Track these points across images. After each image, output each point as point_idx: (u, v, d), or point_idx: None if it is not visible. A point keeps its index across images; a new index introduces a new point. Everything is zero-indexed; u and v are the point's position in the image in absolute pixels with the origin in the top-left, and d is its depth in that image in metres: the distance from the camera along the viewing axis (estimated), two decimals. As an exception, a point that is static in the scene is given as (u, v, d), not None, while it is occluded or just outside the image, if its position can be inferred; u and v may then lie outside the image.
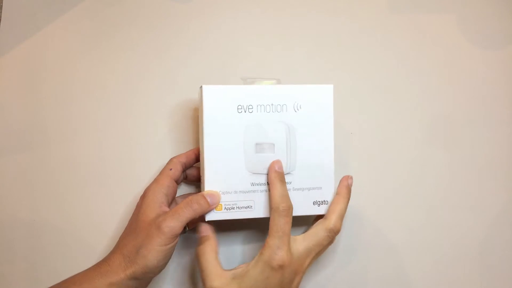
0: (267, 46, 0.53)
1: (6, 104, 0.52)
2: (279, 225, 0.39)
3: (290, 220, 0.40)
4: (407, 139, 0.51)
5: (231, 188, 0.42)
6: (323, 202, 0.43)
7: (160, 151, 0.50)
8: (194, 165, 0.47)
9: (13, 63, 0.52)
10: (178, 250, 0.49)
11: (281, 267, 0.38)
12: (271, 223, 0.40)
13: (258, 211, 0.42)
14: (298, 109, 0.43)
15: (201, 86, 0.42)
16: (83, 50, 0.53)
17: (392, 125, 0.52)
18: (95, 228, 0.49)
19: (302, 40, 0.53)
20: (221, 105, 0.41)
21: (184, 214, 0.40)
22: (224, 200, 0.42)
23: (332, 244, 0.47)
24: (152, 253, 0.39)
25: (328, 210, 0.42)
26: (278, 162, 0.42)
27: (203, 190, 0.42)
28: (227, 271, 0.40)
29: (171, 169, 0.44)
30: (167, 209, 0.42)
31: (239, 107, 0.42)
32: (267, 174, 0.42)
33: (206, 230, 0.42)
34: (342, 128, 0.51)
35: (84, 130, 0.51)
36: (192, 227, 0.46)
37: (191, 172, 0.48)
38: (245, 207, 0.42)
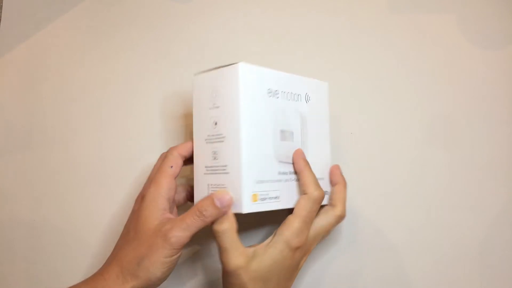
0: (267, 46, 0.53)
1: (6, 104, 0.52)
2: (310, 211, 0.39)
3: (318, 209, 0.40)
4: (407, 139, 0.51)
5: (264, 177, 0.39)
6: (326, 193, 0.43)
7: (161, 151, 0.50)
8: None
9: (13, 63, 0.52)
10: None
11: (298, 248, 0.39)
12: (301, 206, 0.39)
13: (285, 202, 0.40)
14: (308, 100, 0.43)
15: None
16: (83, 50, 0.53)
17: (392, 125, 0.52)
18: (95, 228, 0.49)
19: (302, 40, 0.53)
20: (255, 87, 0.39)
21: (193, 224, 0.36)
22: (259, 189, 0.38)
23: (332, 244, 0.47)
24: (156, 265, 0.36)
25: (334, 199, 0.43)
26: (300, 150, 0.42)
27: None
28: (247, 248, 0.38)
29: (171, 167, 0.40)
30: (170, 215, 0.39)
31: (269, 90, 0.40)
32: (293, 162, 0.41)
33: (226, 202, 0.38)
34: (342, 128, 0.51)
35: (84, 130, 0.51)
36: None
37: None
38: (275, 198, 0.40)
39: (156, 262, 0.36)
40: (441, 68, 0.53)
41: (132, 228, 0.39)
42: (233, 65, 0.39)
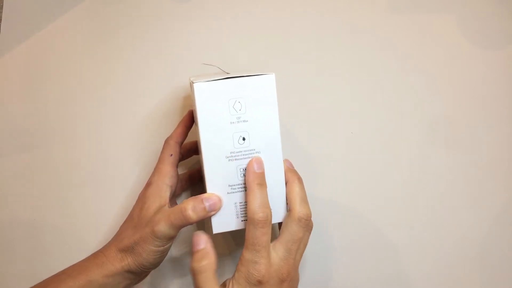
0: (266, 46, 0.53)
1: (6, 104, 0.52)
2: (256, 237, 0.35)
3: (268, 231, 0.36)
4: (407, 139, 0.51)
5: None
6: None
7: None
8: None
9: (13, 63, 0.52)
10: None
11: (260, 282, 0.35)
12: (247, 234, 0.36)
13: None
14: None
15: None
16: (83, 50, 0.53)
17: (392, 125, 0.52)
18: (95, 228, 0.49)
19: (302, 40, 0.53)
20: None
21: (177, 222, 0.37)
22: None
23: (332, 244, 0.47)
24: (148, 252, 0.38)
25: (288, 201, 0.38)
26: (258, 160, 0.38)
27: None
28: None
29: (171, 155, 0.42)
30: (167, 203, 0.40)
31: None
32: (245, 175, 0.38)
33: (203, 243, 0.37)
34: (342, 128, 0.51)
35: (84, 130, 0.51)
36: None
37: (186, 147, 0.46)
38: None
39: (147, 250, 0.38)
40: (441, 68, 0.53)
41: (135, 214, 0.41)
42: (268, 75, 0.37)
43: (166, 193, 0.40)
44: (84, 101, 0.52)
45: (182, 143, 0.43)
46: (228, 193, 0.38)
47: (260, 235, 0.35)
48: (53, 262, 0.49)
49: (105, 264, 0.39)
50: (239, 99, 0.37)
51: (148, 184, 0.41)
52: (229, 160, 0.37)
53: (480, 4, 0.54)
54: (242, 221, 0.39)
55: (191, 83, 0.38)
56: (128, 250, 0.39)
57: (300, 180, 0.39)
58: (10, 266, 0.49)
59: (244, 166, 0.38)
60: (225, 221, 0.38)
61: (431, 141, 0.51)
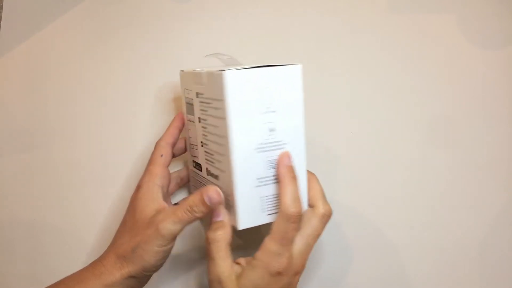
0: (266, 46, 0.53)
1: (6, 104, 0.52)
2: (286, 231, 0.35)
3: (298, 226, 0.36)
4: (407, 139, 0.51)
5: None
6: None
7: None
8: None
9: (13, 63, 0.52)
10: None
11: (280, 273, 0.35)
12: (277, 227, 0.35)
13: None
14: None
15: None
16: (83, 50, 0.53)
17: (392, 125, 0.52)
18: (95, 228, 0.49)
19: (302, 40, 0.53)
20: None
21: (184, 219, 0.37)
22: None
23: (332, 244, 0.47)
24: (150, 253, 0.37)
25: (310, 198, 0.39)
26: (288, 152, 0.37)
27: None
28: (235, 265, 0.37)
29: (162, 156, 0.42)
30: (165, 204, 0.40)
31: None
32: (277, 167, 0.37)
33: (222, 216, 0.37)
34: (342, 128, 0.51)
35: (84, 130, 0.51)
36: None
37: (177, 146, 0.45)
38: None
39: (150, 251, 0.37)
40: (441, 68, 0.53)
41: (129, 218, 0.40)
42: (295, 66, 0.37)
43: (158, 194, 0.40)
44: (84, 101, 0.52)
45: (173, 144, 0.43)
46: (256, 186, 0.37)
47: (290, 230, 0.35)
48: (53, 262, 0.49)
49: (103, 273, 0.38)
50: (268, 89, 0.36)
51: (139, 187, 0.41)
52: (258, 151, 0.36)
53: (480, 4, 0.54)
54: (268, 215, 0.37)
55: (213, 73, 0.36)
56: (128, 255, 0.38)
57: (317, 178, 0.40)
58: (10, 266, 0.49)
59: (272, 158, 0.37)
60: (252, 216, 0.37)
61: (431, 141, 0.51)
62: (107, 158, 0.50)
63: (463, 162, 0.51)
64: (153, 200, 0.40)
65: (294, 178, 0.36)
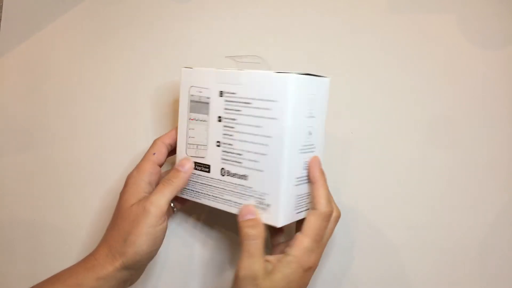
0: (266, 46, 0.53)
1: (6, 104, 0.52)
2: (321, 229, 0.38)
3: (330, 225, 0.39)
4: (407, 139, 0.51)
5: None
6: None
7: (160, 151, 0.50)
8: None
9: (13, 63, 0.52)
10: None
11: (310, 268, 0.38)
12: (312, 225, 0.38)
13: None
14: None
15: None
16: (83, 50, 0.53)
17: (392, 124, 0.52)
18: (95, 228, 0.49)
19: (302, 40, 0.53)
20: None
21: (166, 190, 0.39)
22: None
23: (332, 244, 0.47)
24: (141, 237, 0.38)
25: (313, 198, 0.40)
26: (319, 158, 0.40)
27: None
28: (266, 262, 0.38)
29: (154, 153, 0.43)
30: None
31: None
32: (308, 170, 0.40)
33: (255, 213, 0.39)
34: (342, 128, 0.51)
35: (84, 130, 0.51)
36: (179, 206, 0.45)
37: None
38: None
39: (141, 234, 0.38)
40: (441, 68, 0.53)
41: (117, 212, 0.41)
42: (327, 78, 0.40)
43: (145, 189, 0.41)
44: (84, 101, 0.52)
45: (170, 145, 0.44)
46: (295, 185, 0.39)
47: (324, 228, 0.38)
48: (53, 262, 0.49)
49: (95, 267, 0.38)
50: (313, 95, 0.40)
51: (127, 181, 0.42)
52: (299, 153, 0.39)
53: (480, 4, 0.54)
54: (297, 213, 0.40)
55: (267, 75, 0.38)
56: (119, 245, 0.38)
57: (325, 182, 0.42)
58: (10, 266, 0.49)
59: (306, 160, 0.40)
60: (289, 214, 0.39)
61: (431, 141, 0.51)
62: (106, 158, 0.50)
63: (463, 162, 0.51)
64: (138, 194, 0.41)
65: (326, 180, 0.40)
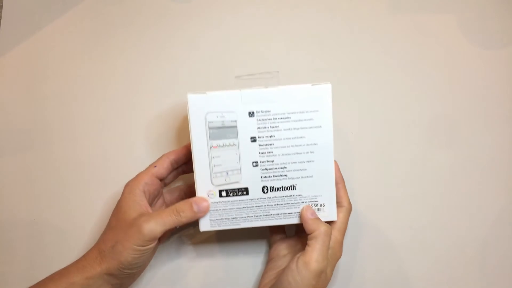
0: (266, 46, 0.53)
1: (6, 104, 0.52)
2: (346, 223, 0.43)
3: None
4: (407, 139, 0.51)
5: None
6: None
7: (162, 152, 0.50)
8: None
9: (13, 62, 0.52)
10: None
11: (338, 259, 0.43)
12: (344, 221, 0.43)
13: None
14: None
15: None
16: (83, 50, 0.53)
17: (392, 125, 0.52)
18: (95, 228, 0.49)
19: (302, 40, 0.53)
20: None
21: (168, 221, 0.40)
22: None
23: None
24: (128, 251, 0.39)
25: (339, 196, 0.44)
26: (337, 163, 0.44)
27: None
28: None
29: (155, 166, 0.43)
30: (149, 209, 0.42)
31: None
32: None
33: (315, 213, 0.42)
34: (342, 128, 0.51)
35: (85, 130, 0.51)
36: (164, 240, 0.47)
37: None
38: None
39: (128, 248, 0.39)
40: (441, 68, 0.53)
41: (113, 218, 0.42)
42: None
43: (141, 198, 0.41)
44: (84, 101, 0.52)
45: (175, 160, 0.44)
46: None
47: (347, 222, 0.43)
48: (53, 262, 0.49)
49: (85, 267, 0.40)
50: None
51: (124, 189, 0.43)
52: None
53: (480, 4, 0.54)
54: None
55: (304, 88, 0.40)
56: (107, 250, 0.39)
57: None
58: (10, 266, 0.49)
59: None
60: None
61: (431, 141, 0.51)
62: (107, 158, 0.50)
63: (463, 162, 0.51)
64: (135, 203, 0.41)
65: (344, 182, 0.45)
